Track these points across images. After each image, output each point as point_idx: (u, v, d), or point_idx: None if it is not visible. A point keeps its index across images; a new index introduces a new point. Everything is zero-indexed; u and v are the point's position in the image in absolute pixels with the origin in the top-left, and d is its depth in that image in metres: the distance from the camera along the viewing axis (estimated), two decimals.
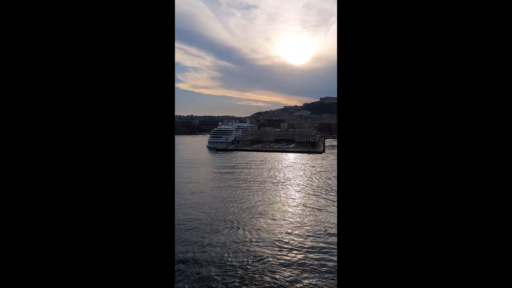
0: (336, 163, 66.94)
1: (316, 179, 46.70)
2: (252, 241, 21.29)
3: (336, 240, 21.17)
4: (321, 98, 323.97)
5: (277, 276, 16.43)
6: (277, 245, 20.60)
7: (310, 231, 23.34)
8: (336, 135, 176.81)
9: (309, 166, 61.42)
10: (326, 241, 21.35)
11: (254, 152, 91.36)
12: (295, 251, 19.67)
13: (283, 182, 44.28)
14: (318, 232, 23.09)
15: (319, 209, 29.49)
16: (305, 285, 15.55)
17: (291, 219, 26.51)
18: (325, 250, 19.83)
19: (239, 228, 23.91)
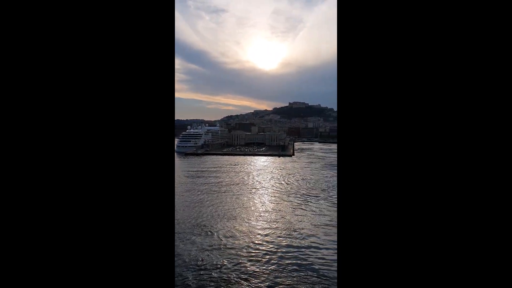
0: (304, 165, 68.63)
1: (286, 182, 47.76)
2: (227, 246, 21.24)
3: (310, 242, 21.91)
4: (290, 103, 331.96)
5: (252, 280, 16.59)
6: (251, 248, 20.78)
7: (282, 234, 23.87)
8: (304, 139, 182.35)
9: (279, 169, 62.58)
10: (299, 242, 22.00)
11: (225, 156, 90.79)
12: (268, 255, 20.00)
13: (254, 185, 44.64)
14: (291, 234, 23.70)
15: (290, 211, 30.24)
16: None
17: (263, 222, 26.86)
18: (298, 250, 20.43)
19: (212, 234, 23.69)
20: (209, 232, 23.96)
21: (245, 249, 20.71)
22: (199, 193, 38.73)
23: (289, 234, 23.63)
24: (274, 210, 31.03)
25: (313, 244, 21.58)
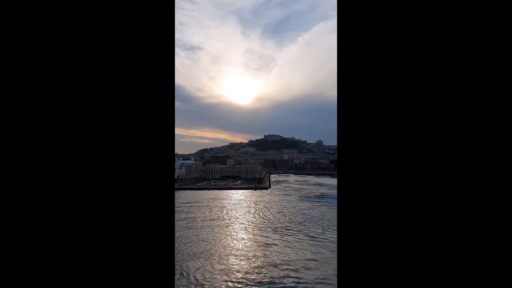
0: (281, 198, 68.52)
1: (263, 216, 47.05)
2: (204, 286, 19.93)
3: (292, 278, 21.29)
4: (265, 136, 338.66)
5: None
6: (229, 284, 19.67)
7: (262, 271, 23.01)
8: (279, 171, 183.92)
9: (256, 203, 61.77)
10: (280, 280, 21.26)
11: (200, 191, 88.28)
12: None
13: (231, 220, 43.39)
14: (270, 270, 22.90)
15: (269, 247, 29.47)
16: None
17: (241, 259, 25.80)
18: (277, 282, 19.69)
19: (188, 275, 22.22)
20: (184, 273, 22.46)
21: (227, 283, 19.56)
22: None
23: (268, 271, 22.82)
24: (251, 246, 30.07)
25: (295, 280, 20.96)
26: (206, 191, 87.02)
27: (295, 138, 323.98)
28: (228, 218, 45.01)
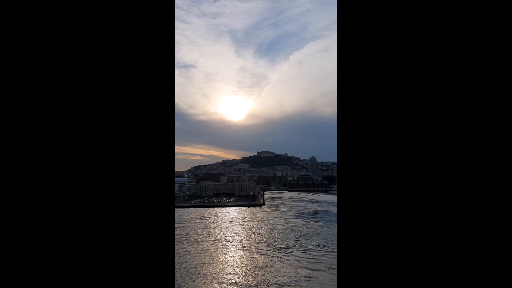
0: (275, 215, 67.86)
1: (258, 233, 46.44)
2: None
3: None
4: (258, 152, 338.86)
5: None
6: None
7: None
8: (273, 187, 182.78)
9: (250, 221, 60.98)
10: None
11: (193, 209, 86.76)
12: None
13: (226, 239, 42.65)
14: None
15: (264, 265, 29.00)
16: None
17: (237, 278, 25.27)
18: None
19: None
20: None
21: None
22: None
23: None
24: (246, 264, 29.53)
25: None
26: (200, 209, 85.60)
27: (288, 155, 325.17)
28: (223, 237, 44.21)
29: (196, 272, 27.15)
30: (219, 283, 24.44)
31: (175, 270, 27.58)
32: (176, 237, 44.05)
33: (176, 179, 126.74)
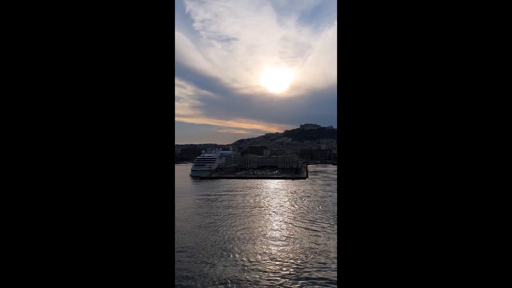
0: (320, 188, 67.48)
1: (302, 205, 47.61)
2: (250, 267, 21.52)
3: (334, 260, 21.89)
4: (301, 125, 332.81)
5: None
6: (272, 269, 20.98)
7: (302, 252, 23.94)
8: (317, 161, 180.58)
9: (293, 192, 62.42)
10: (320, 259, 22.03)
11: (239, 180, 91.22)
12: (294, 271, 20.13)
13: (270, 208, 44.78)
14: (312, 251, 23.73)
15: (310, 234, 30.22)
16: None
17: (283, 245, 26.98)
18: (319, 265, 20.47)
19: (234, 255, 24.03)
20: (230, 255, 24.34)
21: (271, 268, 20.94)
22: (215, 216, 39.29)
23: (309, 255, 23.67)
24: (294, 232, 31.09)
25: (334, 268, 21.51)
26: (245, 180, 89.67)
27: (333, 127, 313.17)
28: (268, 206, 46.48)
29: (246, 237, 29.48)
30: (266, 248, 26.36)
31: (229, 235, 30.27)
32: (225, 204, 47.59)
33: (222, 151, 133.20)
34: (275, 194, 60.76)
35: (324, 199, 52.37)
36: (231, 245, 26.70)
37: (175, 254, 23.36)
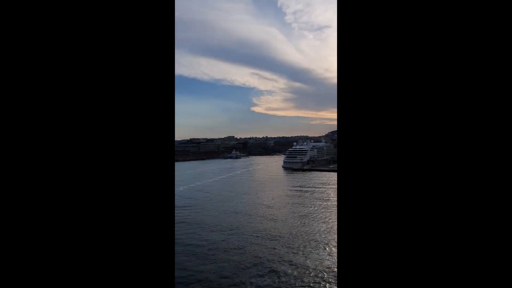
0: None
1: None
2: None
3: None
4: None
5: None
6: None
7: None
8: None
9: None
10: None
11: (331, 173, 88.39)
12: None
13: None
14: None
15: None
16: None
17: None
18: None
19: (324, 248, 23.97)
20: (321, 246, 24.36)
21: None
22: (310, 206, 39.66)
23: None
24: None
25: None
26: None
27: None
28: None
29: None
30: None
31: (321, 227, 30.26)
32: (316, 196, 47.32)
33: (314, 143, 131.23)
34: None
35: None
36: (329, 237, 26.58)
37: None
